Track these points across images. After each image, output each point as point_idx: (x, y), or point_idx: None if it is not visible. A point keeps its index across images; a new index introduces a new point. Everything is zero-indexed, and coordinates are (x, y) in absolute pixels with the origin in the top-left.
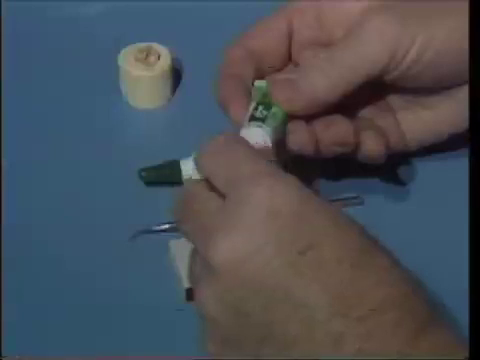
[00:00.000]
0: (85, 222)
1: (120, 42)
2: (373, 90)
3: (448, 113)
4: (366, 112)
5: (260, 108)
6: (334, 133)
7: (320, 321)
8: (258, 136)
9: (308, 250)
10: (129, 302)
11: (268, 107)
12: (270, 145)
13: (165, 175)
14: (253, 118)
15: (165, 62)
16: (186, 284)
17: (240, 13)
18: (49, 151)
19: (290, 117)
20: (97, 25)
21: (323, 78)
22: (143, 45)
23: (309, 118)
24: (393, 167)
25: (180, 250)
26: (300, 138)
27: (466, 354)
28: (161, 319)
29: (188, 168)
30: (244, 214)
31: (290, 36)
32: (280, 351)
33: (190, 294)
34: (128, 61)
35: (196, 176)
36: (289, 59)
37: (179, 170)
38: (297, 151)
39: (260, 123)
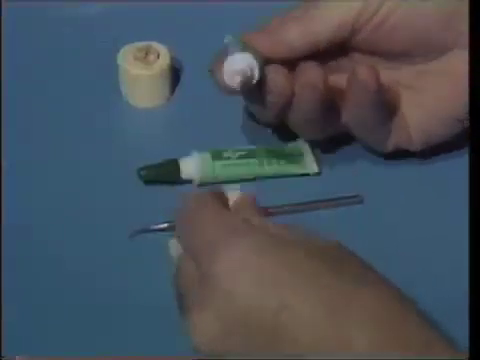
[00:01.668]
0: (84, 221)
1: (119, 41)
2: None
3: (443, 91)
4: None
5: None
6: (308, 81)
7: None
8: (244, 61)
9: (281, 311)
10: (129, 302)
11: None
12: (256, 75)
13: (164, 174)
14: (243, 47)
15: (164, 61)
16: None
17: (239, 12)
18: (48, 150)
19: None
20: (96, 24)
21: (297, 27)
22: (142, 44)
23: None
24: (392, 166)
25: (179, 249)
26: (278, 79)
27: None
28: (161, 318)
29: (187, 167)
30: (208, 294)
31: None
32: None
33: None
34: (127, 60)
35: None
36: None
37: (178, 169)
38: (274, 94)
39: (251, 54)
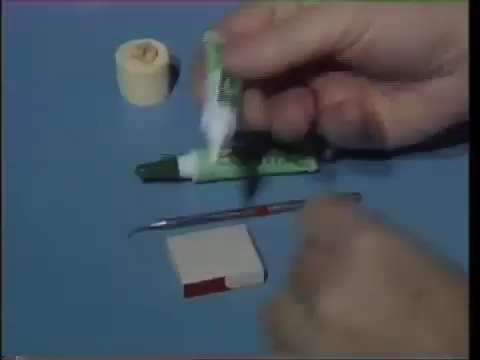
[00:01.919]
0: (83, 219)
1: (117, 39)
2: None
3: (425, 113)
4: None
5: (227, 82)
6: (286, 120)
7: (433, 353)
8: (225, 124)
9: (421, 297)
10: (129, 301)
11: (233, 79)
12: (233, 132)
13: (163, 172)
14: (222, 96)
15: (162, 59)
16: (184, 280)
17: (237, 10)
18: (47, 148)
19: (247, 86)
20: (95, 23)
21: (274, 44)
22: (140, 42)
23: (267, 91)
24: (391, 164)
25: (178, 247)
26: (253, 116)
27: None
28: (161, 318)
29: (186, 165)
30: (350, 264)
31: (272, 19)
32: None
33: (188, 290)
34: (125, 58)
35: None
36: None
37: (177, 167)
38: (251, 126)
39: (229, 103)
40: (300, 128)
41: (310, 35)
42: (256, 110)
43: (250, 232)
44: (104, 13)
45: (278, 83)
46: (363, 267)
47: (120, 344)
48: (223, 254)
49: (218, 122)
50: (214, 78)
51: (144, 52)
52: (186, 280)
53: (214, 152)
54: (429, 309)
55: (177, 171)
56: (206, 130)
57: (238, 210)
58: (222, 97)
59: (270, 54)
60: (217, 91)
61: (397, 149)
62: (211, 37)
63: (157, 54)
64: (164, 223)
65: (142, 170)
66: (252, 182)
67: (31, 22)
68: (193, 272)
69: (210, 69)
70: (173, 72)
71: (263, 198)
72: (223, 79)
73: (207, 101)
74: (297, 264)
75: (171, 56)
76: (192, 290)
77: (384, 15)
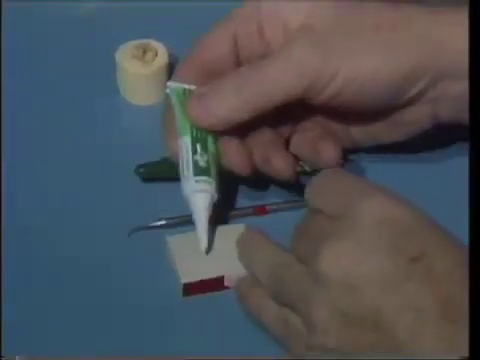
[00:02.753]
0: (83, 218)
1: (117, 39)
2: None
3: (387, 134)
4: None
5: (199, 149)
6: (271, 168)
7: (429, 323)
8: (206, 200)
9: (420, 258)
10: (129, 301)
11: (203, 139)
12: (216, 199)
13: (162, 171)
14: (197, 168)
15: (162, 59)
16: (183, 279)
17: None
18: (47, 148)
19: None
20: (95, 22)
21: (233, 98)
22: (140, 42)
23: (244, 132)
24: (391, 165)
25: (177, 246)
26: (234, 162)
27: None
28: (161, 318)
29: None
30: (355, 224)
31: (236, 47)
32: (390, 354)
33: (187, 289)
34: (125, 58)
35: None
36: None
37: (176, 166)
38: (234, 170)
39: (206, 178)
40: (285, 175)
41: (273, 90)
42: (236, 159)
43: None
44: (104, 13)
45: (256, 122)
46: (364, 228)
47: (119, 343)
48: (222, 253)
49: (198, 198)
50: (186, 144)
51: (144, 52)
52: (185, 279)
53: (202, 237)
54: (425, 272)
55: (176, 170)
56: (188, 203)
57: (237, 209)
58: (197, 172)
59: (226, 110)
60: (191, 164)
61: (397, 149)
62: (173, 87)
63: (157, 54)
64: (163, 222)
65: (141, 170)
66: (251, 182)
67: (31, 22)
68: (192, 271)
69: (179, 132)
70: (172, 72)
71: (262, 198)
72: (194, 145)
73: (183, 171)
74: (301, 228)
75: (171, 56)
76: (191, 289)
77: (350, 63)
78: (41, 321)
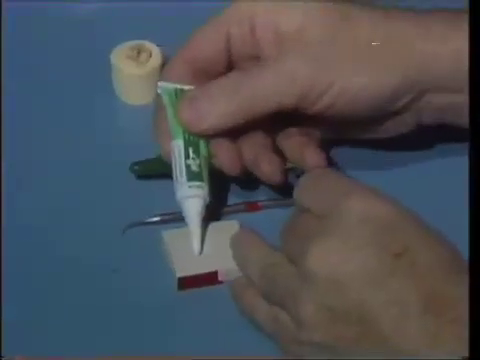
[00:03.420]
0: (79, 216)
1: (112, 40)
2: None
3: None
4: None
5: (191, 152)
6: (260, 172)
7: (413, 317)
8: (199, 205)
9: (403, 254)
10: (129, 299)
11: (195, 143)
12: (208, 201)
13: (156, 168)
14: (189, 173)
15: (156, 60)
16: (178, 273)
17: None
18: (42, 147)
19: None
20: (90, 24)
21: (225, 104)
22: (135, 43)
23: (234, 133)
24: (390, 165)
25: (173, 240)
26: (224, 163)
27: None
28: (156, 314)
29: None
30: (340, 222)
31: (228, 46)
32: (375, 348)
33: (181, 283)
34: (120, 59)
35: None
36: (231, 67)
37: (170, 164)
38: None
39: (199, 184)
40: (273, 179)
41: (267, 97)
42: (227, 160)
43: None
44: (99, 15)
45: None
46: (348, 225)
47: (118, 341)
48: (216, 249)
49: (191, 203)
50: (178, 147)
51: (138, 53)
52: (180, 273)
53: (195, 241)
54: (408, 267)
55: (170, 167)
56: (181, 207)
57: (229, 206)
58: (190, 177)
59: (218, 116)
60: (184, 169)
61: (396, 149)
62: (165, 87)
63: (151, 55)
64: (158, 219)
65: (136, 167)
66: (243, 179)
67: (29, 23)
68: (187, 265)
69: (172, 135)
70: None
71: (254, 194)
72: (186, 149)
73: (175, 174)
74: (289, 227)
75: (165, 57)
76: (185, 283)
77: (343, 77)
78: (41, 321)
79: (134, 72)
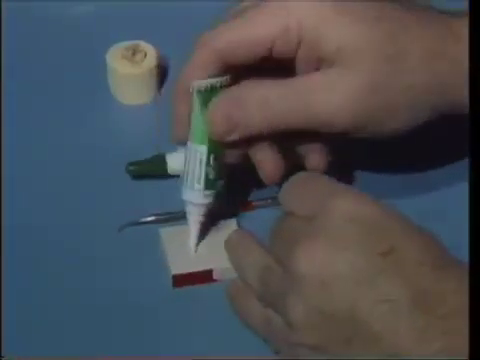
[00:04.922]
0: (75, 217)
1: (108, 40)
2: None
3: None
4: None
5: (212, 160)
6: (262, 173)
7: (403, 314)
8: (205, 210)
9: (390, 253)
10: (128, 300)
11: (219, 151)
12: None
13: (152, 169)
14: (207, 182)
15: (151, 60)
16: (173, 271)
17: (224, 11)
18: (38, 148)
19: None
20: (85, 24)
21: (260, 119)
22: (130, 43)
23: None
24: (390, 166)
25: (169, 238)
26: (269, 174)
27: None
28: (160, 317)
29: (174, 162)
30: (326, 224)
31: (270, 52)
32: (367, 348)
33: (176, 281)
34: (115, 59)
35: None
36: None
37: (165, 164)
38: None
39: (212, 192)
40: (278, 180)
41: (311, 116)
42: (272, 173)
43: (239, 226)
44: (95, 15)
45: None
46: (334, 226)
47: (117, 340)
48: (212, 247)
49: (199, 208)
50: (200, 153)
51: (133, 53)
52: (175, 270)
53: (193, 242)
54: (396, 265)
55: (166, 168)
56: (186, 207)
57: (226, 205)
58: (207, 185)
59: (251, 127)
60: (203, 177)
61: (396, 149)
62: (197, 85)
63: (146, 55)
64: (153, 218)
65: (132, 167)
66: (237, 178)
67: (25, 24)
68: (182, 263)
69: (193, 137)
70: (162, 72)
71: (249, 193)
72: (208, 156)
73: (188, 178)
74: (276, 230)
75: (160, 57)
76: (180, 280)
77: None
78: (41, 321)
79: (129, 72)
